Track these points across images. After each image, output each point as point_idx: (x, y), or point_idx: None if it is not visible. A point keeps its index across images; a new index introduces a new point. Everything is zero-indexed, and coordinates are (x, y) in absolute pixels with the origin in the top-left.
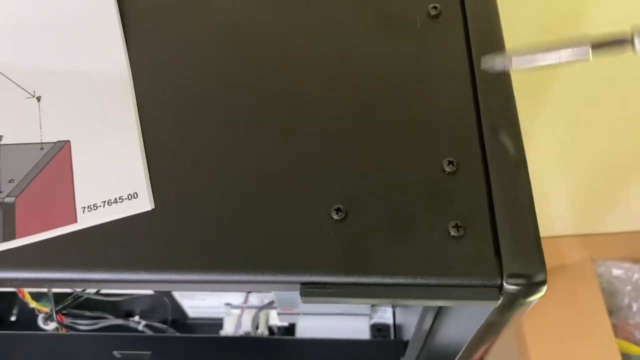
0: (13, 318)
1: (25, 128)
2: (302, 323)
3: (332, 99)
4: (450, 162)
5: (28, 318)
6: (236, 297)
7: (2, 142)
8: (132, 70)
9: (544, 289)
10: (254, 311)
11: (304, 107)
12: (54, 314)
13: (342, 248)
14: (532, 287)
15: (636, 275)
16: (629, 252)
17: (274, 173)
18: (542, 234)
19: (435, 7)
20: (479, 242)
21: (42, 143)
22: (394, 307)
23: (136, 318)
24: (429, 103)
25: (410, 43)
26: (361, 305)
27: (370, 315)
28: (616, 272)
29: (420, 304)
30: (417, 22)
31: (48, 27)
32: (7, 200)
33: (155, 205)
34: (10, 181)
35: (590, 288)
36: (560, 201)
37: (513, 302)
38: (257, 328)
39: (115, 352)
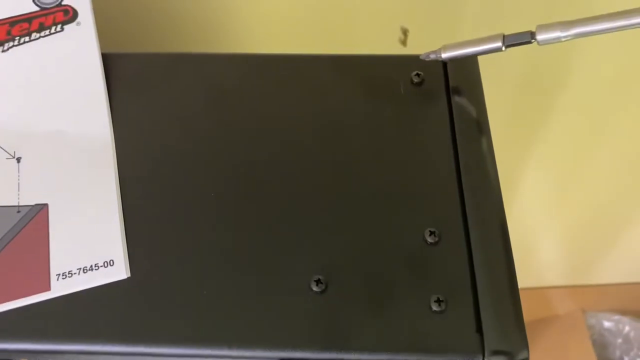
0: None
1: (2, 189)
2: None
3: (313, 169)
4: (432, 233)
5: None
6: None
7: None
8: (114, 135)
9: None
10: None
11: (285, 176)
12: None
13: (322, 322)
14: None
15: (627, 328)
16: (619, 304)
17: (253, 243)
18: (532, 284)
19: (418, 75)
20: (461, 317)
21: (19, 206)
22: None
23: None
24: (411, 171)
25: (393, 110)
26: None
27: None
28: (607, 324)
29: None
30: (400, 89)
31: (32, 88)
32: None
33: (131, 274)
34: None
35: (581, 340)
36: (550, 251)
37: None
38: None
39: None
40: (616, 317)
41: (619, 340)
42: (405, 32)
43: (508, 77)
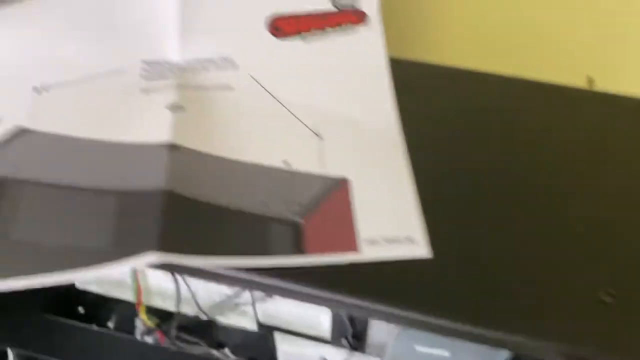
0: (110, 325)
1: (309, 160)
2: None
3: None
4: None
5: (125, 329)
6: (334, 354)
7: (291, 168)
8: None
9: None
10: None
11: (568, 195)
12: (174, 331)
13: (608, 330)
14: None
15: None
16: None
17: (550, 243)
18: None
19: None
20: None
21: (324, 176)
22: None
23: (226, 350)
24: None
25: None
26: None
27: None
28: None
29: None
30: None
31: (326, 77)
32: (296, 219)
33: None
34: (298, 204)
35: None
36: None
37: None
38: None
39: None
40: None
41: None
42: (590, 82)
43: None
